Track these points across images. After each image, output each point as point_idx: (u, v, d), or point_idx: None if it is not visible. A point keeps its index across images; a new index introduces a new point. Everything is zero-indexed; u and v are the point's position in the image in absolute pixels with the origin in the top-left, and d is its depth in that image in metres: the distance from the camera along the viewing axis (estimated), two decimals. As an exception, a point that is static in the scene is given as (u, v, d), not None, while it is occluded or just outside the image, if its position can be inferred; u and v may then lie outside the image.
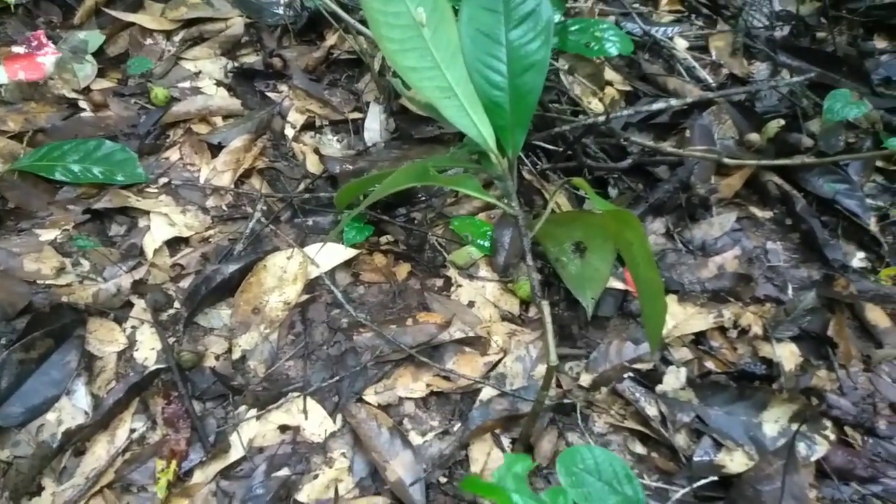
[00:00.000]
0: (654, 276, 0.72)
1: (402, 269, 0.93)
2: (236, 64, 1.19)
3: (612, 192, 1.08)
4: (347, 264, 0.93)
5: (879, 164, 1.21)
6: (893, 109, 1.29)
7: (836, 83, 1.30)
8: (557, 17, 0.85)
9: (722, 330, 0.93)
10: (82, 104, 1.08)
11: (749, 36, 1.39)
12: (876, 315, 0.98)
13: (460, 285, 0.91)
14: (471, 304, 0.90)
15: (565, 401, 0.81)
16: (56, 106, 1.07)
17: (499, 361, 0.84)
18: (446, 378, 0.81)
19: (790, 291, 0.99)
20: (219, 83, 1.16)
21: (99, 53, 1.16)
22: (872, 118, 1.26)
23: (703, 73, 1.27)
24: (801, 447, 0.79)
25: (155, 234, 0.91)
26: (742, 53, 1.36)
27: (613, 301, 0.94)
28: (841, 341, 0.94)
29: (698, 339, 0.92)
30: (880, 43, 1.54)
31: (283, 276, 0.89)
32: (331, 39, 1.21)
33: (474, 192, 0.71)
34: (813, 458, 0.79)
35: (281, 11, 1.26)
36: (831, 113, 1.10)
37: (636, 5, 1.42)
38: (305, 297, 0.88)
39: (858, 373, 0.92)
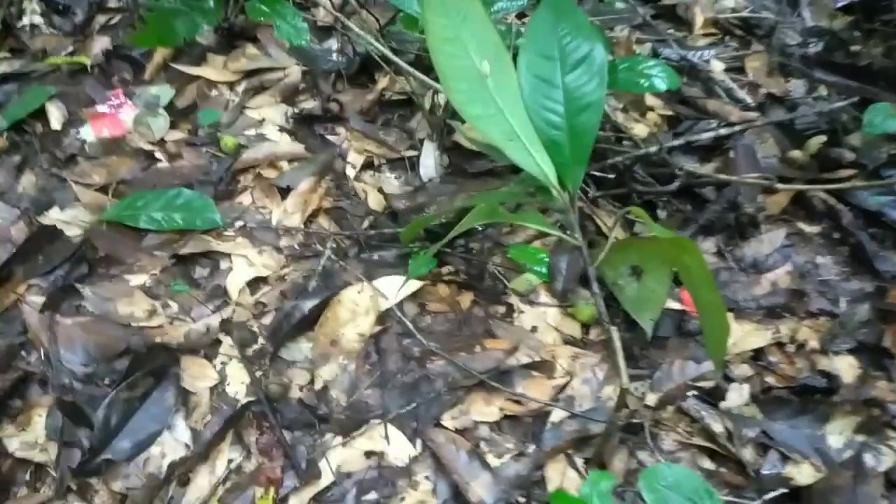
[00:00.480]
0: (715, 298, 0.76)
1: (466, 298, 0.98)
2: (296, 110, 1.27)
3: (662, 214, 1.12)
4: (413, 296, 0.98)
5: (923, 174, 1.23)
6: (934, 119, 1.30)
7: (874, 96, 1.32)
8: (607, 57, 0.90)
9: (780, 345, 0.96)
10: (159, 155, 1.17)
11: (783, 54, 1.43)
12: (932, 324, 1.00)
13: (522, 311, 0.96)
14: (534, 329, 0.95)
15: (633, 420, 0.84)
16: (135, 158, 1.15)
17: (566, 384, 0.88)
18: (517, 402, 0.86)
19: (843, 304, 1.02)
20: (281, 129, 1.24)
21: (169, 106, 1.24)
22: (914, 129, 1.28)
23: (742, 94, 1.31)
24: (868, 458, 0.81)
25: (237, 275, 0.98)
26: (778, 72, 1.39)
27: (671, 322, 0.98)
28: (897, 351, 0.96)
29: (757, 355, 0.95)
30: (918, 52, 1.56)
31: (356, 309, 0.94)
32: (382, 82, 1.28)
33: (542, 227, 0.77)
34: (881, 469, 0.81)
35: (334, 58, 1.34)
36: (871, 126, 1.13)
37: (671, 31, 1.46)
38: (378, 328, 0.94)
39: (915, 383, 0.94)
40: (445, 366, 0.89)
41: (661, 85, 0.88)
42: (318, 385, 0.89)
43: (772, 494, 0.76)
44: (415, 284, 0.98)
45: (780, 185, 1.02)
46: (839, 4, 1.62)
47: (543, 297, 0.99)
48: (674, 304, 0.98)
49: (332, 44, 1.36)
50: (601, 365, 0.90)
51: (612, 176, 1.10)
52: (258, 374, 0.91)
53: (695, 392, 0.88)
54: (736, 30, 1.52)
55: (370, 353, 0.92)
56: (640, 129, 1.25)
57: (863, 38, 1.57)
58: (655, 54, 1.37)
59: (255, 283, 0.99)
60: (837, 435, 0.82)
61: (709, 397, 0.87)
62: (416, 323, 0.96)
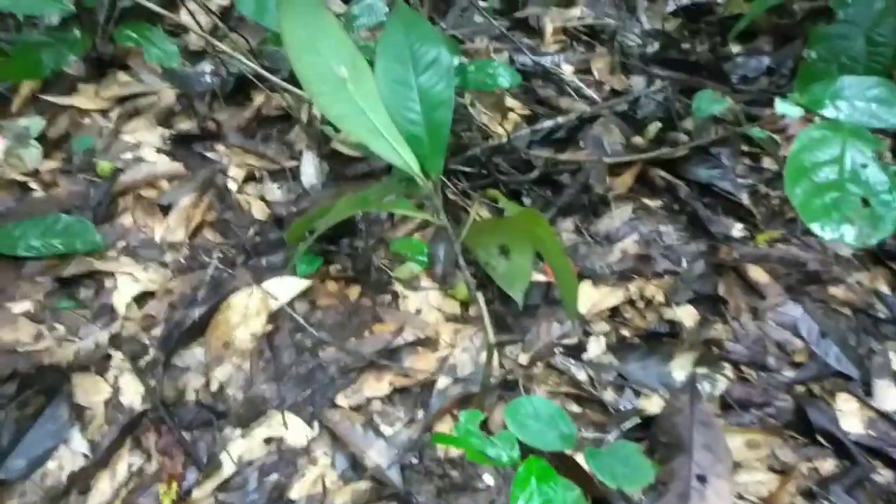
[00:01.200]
0: (564, 262, 0.87)
1: (353, 291, 1.05)
2: (173, 131, 1.30)
3: (527, 201, 1.24)
4: (303, 294, 1.04)
5: (745, 148, 1.42)
6: (751, 102, 1.52)
7: (701, 86, 1.52)
8: (458, 62, 1.01)
9: (631, 302, 1.09)
10: (33, 185, 1.16)
11: (624, 54, 1.60)
12: (757, 273, 1.16)
13: (406, 297, 1.04)
14: (418, 311, 1.03)
15: (509, 378, 0.94)
16: (8, 190, 1.15)
17: (449, 355, 0.97)
18: (406, 375, 0.93)
19: (684, 263, 1.17)
20: (159, 150, 1.26)
21: (42, 137, 1.24)
22: (735, 111, 1.48)
23: (589, 92, 1.47)
24: (706, 385, 0.95)
25: (122, 291, 1.00)
26: (620, 70, 1.56)
27: (539, 292, 1.09)
28: (731, 298, 1.12)
29: (613, 313, 1.07)
30: (735, 48, 1.79)
31: (247, 311, 0.99)
32: (258, 99, 1.34)
33: (409, 211, 0.85)
34: (717, 393, 0.95)
35: (208, 79, 1.38)
36: (699, 111, 1.30)
37: (525, 40, 1.61)
38: (270, 327, 0.99)
39: (748, 322, 1.10)
40: (337, 353, 0.96)
41: (505, 82, 0.99)
42: (213, 386, 0.93)
43: (628, 424, 0.88)
44: (303, 283, 1.04)
45: (609, 159, 1.17)
46: (669, 9, 1.84)
47: (425, 282, 1.08)
48: (540, 277, 1.09)
49: (206, 66, 1.40)
50: (479, 335, 0.99)
51: (480, 171, 1.21)
52: (152, 382, 0.93)
53: (561, 349, 0.99)
54: (583, 36, 1.69)
55: (264, 350, 0.97)
56: (502, 128, 1.37)
57: (690, 37, 1.78)
58: (512, 61, 1.51)
59: (142, 298, 1.02)
60: (680, 370, 0.96)
61: (573, 352, 0.98)
62: (307, 318, 1.01)
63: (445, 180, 1.22)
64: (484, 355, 0.97)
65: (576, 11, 1.77)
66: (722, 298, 1.11)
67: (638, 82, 1.56)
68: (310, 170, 1.21)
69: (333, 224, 0.87)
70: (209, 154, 1.26)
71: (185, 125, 1.31)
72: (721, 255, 1.18)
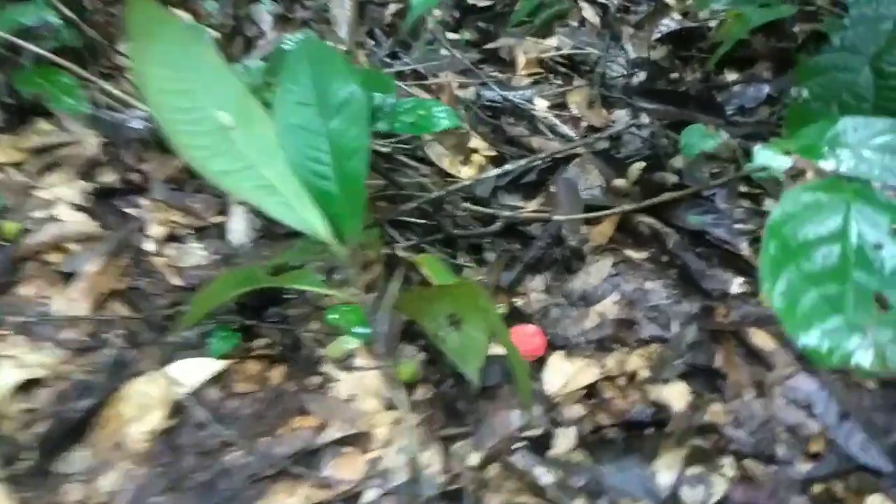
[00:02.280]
0: (506, 340, 0.72)
1: (277, 373, 0.89)
2: (95, 185, 1.16)
3: (490, 255, 1.08)
4: (217, 379, 0.88)
5: (743, 189, 1.26)
6: (749, 136, 1.36)
7: (692, 120, 1.36)
8: (390, 101, 0.86)
9: (611, 379, 0.92)
10: (-76, 251, 1.02)
11: (605, 86, 1.46)
12: (761, 339, 0.99)
13: (338, 380, 0.88)
14: (351, 398, 0.86)
15: (454, 486, 0.77)
16: None
17: (381, 457, 0.80)
18: (325, 486, 0.77)
19: (674, 328, 1.00)
20: (77, 207, 1.12)
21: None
22: (731, 147, 1.32)
23: (565, 129, 1.32)
24: (699, 491, 0.77)
25: (1, 381, 0.84)
26: (600, 104, 1.42)
27: (500, 368, 0.92)
28: (730, 370, 0.95)
29: (588, 392, 0.90)
30: (731, 75, 1.64)
31: (146, 402, 0.83)
32: (191, 147, 1.20)
33: (312, 287, 0.69)
34: (714, 501, 0.77)
35: (138, 125, 1.24)
36: (688, 148, 1.15)
37: (495, 74, 1.47)
38: (172, 422, 0.83)
39: (752, 400, 0.92)
40: (246, 455, 0.79)
41: (443, 123, 0.84)
42: (97, 499, 0.76)
43: (600, 548, 0.70)
44: (217, 365, 0.88)
45: (558, 217, 1.01)
46: (657, 36, 1.69)
47: (364, 360, 0.91)
48: (500, 350, 0.92)
49: (137, 111, 1.27)
50: (426, 427, 0.83)
51: (432, 223, 1.05)
52: (28, 494, 0.77)
53: (522, 443, 0.82)
54: (560, 68, 1.55)
55: (162, 452, 0.81)
56: (465, 171, 1.22)
57: (681, 65, 1.64)
58: (478, 97, 1.36)
59: (28, 388, 0.86)
60: (666, 471, 0.78)
61: (537, 447, 0.81)
62: (218, 409, 0.85)
63: (395, 235, 1.06)
64: (427, 455, 0.80)
65: (553, 41, 1.63)
66: (719, 372, 0.94)
67: (620, 117, 1.41)
68: (238, 226, 1.06)
69: (253, 291, 0.72)
70: (130, 211, 1.12)
71: (109, 177, 1.17)
72: (717, 317, 1.01)
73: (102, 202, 1.13)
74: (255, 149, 0.67)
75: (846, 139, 0.58)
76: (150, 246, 1.05)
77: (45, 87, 1.04)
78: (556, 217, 1.06)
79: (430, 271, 0.80)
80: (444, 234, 1.03)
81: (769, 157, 0.59)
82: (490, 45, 1.56)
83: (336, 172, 0.72)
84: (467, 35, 1.59)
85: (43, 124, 1.24)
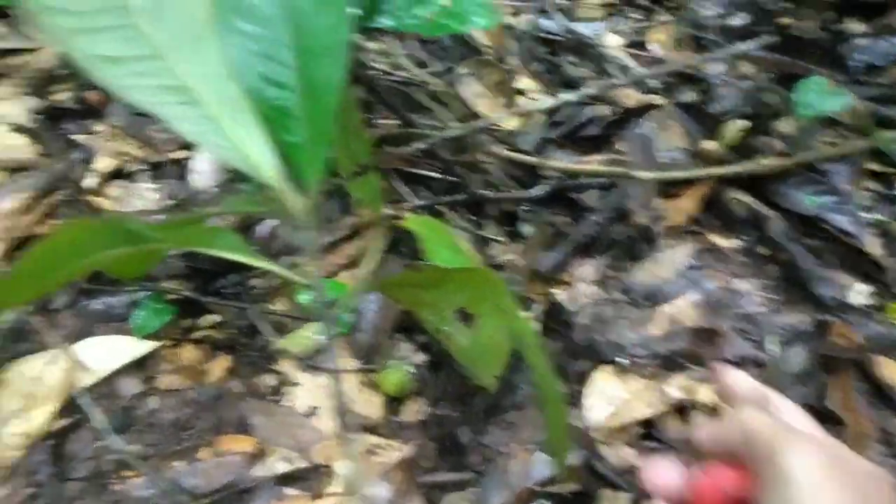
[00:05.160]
0: (536, 356, 0.46)
1: (218, 366, 0.65)
2: (46, 103, 0.93)
3: (526, 228, 0.82)
4: (141, 364, 0.65)
5: (873, 166, 0.96)
6: (878, 99, 1.04)
7: (806, 73, 1.05)
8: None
9: (679, 413, 0.65)
10: None
11: (697, 26, 1.15)
12: (892, 371, 0.71)
13: (296, 384, 0.64)
14: (310, 412, 0.62)
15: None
16: None
17: (340, 504, 0.56)
18: (252, 544, 0.53)
19: (772, 347, 0.72)
20: (19, 129, 0.90)
21: None
22: (859, 112, 1.01)
23: (642, 71, 1.02)
24: None
25: None
26: (690, 46, 1.11)
27: (527, 378, 0.66)
28: (847, 414, 0.67)
29: (647, 427, 0.64)
30: (856, 26, 1.30)
31: (35, 391, 0.61)
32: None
33: (235, 255, 0.45)
34: None
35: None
36: (804, 107, 0.86)
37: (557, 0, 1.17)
38: (63, 422, 0.60)
39: (876, 457, 0.65)
40: (148, 486, 0.56)
41: (477, 21, 0.57)
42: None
43: None
44: (140, 348, 0.65)
45: (641, 174, 0.73)
46: (764, -28, 1.36)
47: (337, 358, 0.67)
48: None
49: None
50: (409, 462, 0.58)
51: (447, 177, 0.79)
52: None
53: (545, 502, 0.57)
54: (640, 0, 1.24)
55: (38, 465, 0.58)
56: (511, 121, 0.95)
57: (793, 7, 1.31)
58: (533, 27, 1.08)
59: None
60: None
61: (565, 513, 0.56)
62: (129, 411, 0.62)
63: (409, 190, 0.80)
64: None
65: (634, -31, 1.32)
66: (833, 415, 0.66)
67: (715, 64, 1.10)
68: (203, 166, 0.82)
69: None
70: (81, 137, 0.89)
71: (63, 96, 0.94)
72: (833, 338, 0.73)
73: (50, 125, 0.91)
74: (171, 30, 0.42)
75: None
76: (91, 182, 0.82)
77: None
78: (622, 183, 0.78)
79: (427, 243, 0.55)
80: (468, 195, 0.77)
81: None
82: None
83: (299, 78, 0.46)
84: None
85: (-1, 27, 1.02)
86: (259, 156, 0.45)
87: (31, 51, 0.99)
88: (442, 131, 0.69)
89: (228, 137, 0.44)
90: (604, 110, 0.91)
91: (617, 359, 0.69)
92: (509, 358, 0.63)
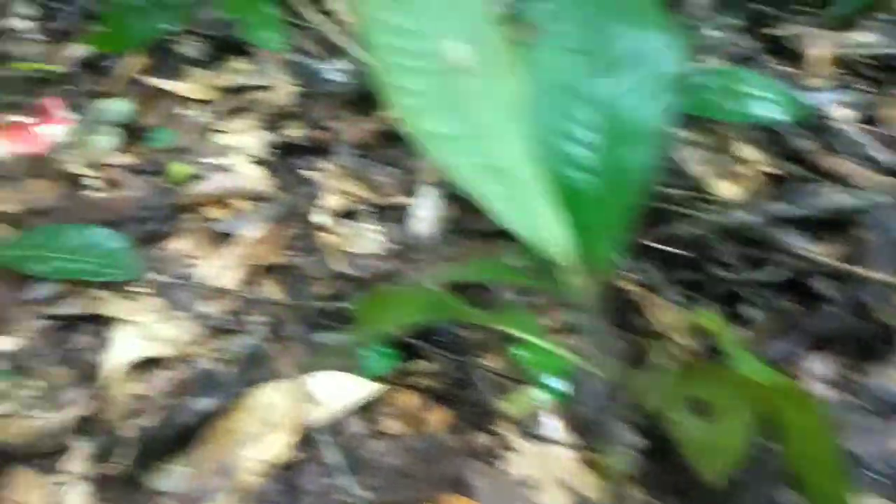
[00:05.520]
0: (838, 491, 0.42)
1: (437, 417, 0.66)
2: (280, 138, 1.01)
3: (753, 312, 0.76)
4: (364, 407, 0.67)
5: None
6: None
7: None
8: (685, 67, 0.58)
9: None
10: (92, 182, 0.93)
11: (937, 103, 1.05)
12: None
13: (514, 449, 0.63)
14: (524, 481, 0.61)
15: None
16: (58, 183, 0.92)
17: None
18: None
19: None
20: (256, 160, 0.97)
21: (131, 125, 1.01)
22: None
23: (875, 150, 0.94)
24: None
25: (118, 353, 0.70)
26: (930, 125, 1.01)
27: (757, 479, 0.61)
28: None
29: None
30: None
31: (270, 418, 0.64)
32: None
33: (532, 338, 0.44)
34: None
35: (335, 77, 1.07)
36: None
37: (777, 67, 1.12)
38: (298, 455, 0.63)
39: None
40: (377, 532, 0.57)
41: (776, 114, 0.54)
42: (187, 536, 0.59)
43: None
44: (368, 388, 0.67)
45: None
46: None
47: (555, 427, 0.65)
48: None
49: (337, 62, 1.10)
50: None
51: (679, 252, 0.76)
52: (113, 505, 0.61)
53: None
54: (868, 70, 1.15)
55: (275, 494, 0.61)
56: (727, 189, 0.91)
57: None
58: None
59: (146, 367, 0.71)
60: None
61: None
62: (356, 450, 0.64)
63: (628, 263, 0.78)
64: None
65: (856, 36, 1.23)
66: None
67: (959, 147, 1.00)
68: (425, 213, 0.84)
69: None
70: (307, 173, 0.95)
71: (296, 132, 1.01)
72: None
73: (283, 159, 0.98)
74: (491, 108, 0.44)
75: None
76: (320, 218, 0.87)
77: (246, 13, 0.90)
78: (865, 276, 0.72)
79: (737, 357, 0.51)
80: (694, 273, 0.74)
81: None
82: (770, 31, 1.21)
83: (605, 161, 0.46)
84: (740, 19, 1.25)
85: (240, 63, 1.12)
86: (553, 233, 0.45)
87: (266, 88, 1.07)
88: (705, 213, 0.67)
89: (529, 215, 0.45)
90: (840, 193, 0.85)
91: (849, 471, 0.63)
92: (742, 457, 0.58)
